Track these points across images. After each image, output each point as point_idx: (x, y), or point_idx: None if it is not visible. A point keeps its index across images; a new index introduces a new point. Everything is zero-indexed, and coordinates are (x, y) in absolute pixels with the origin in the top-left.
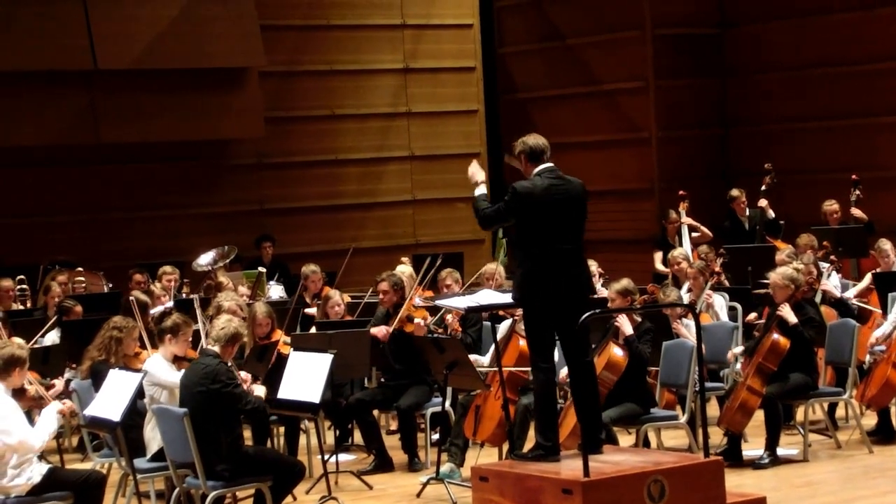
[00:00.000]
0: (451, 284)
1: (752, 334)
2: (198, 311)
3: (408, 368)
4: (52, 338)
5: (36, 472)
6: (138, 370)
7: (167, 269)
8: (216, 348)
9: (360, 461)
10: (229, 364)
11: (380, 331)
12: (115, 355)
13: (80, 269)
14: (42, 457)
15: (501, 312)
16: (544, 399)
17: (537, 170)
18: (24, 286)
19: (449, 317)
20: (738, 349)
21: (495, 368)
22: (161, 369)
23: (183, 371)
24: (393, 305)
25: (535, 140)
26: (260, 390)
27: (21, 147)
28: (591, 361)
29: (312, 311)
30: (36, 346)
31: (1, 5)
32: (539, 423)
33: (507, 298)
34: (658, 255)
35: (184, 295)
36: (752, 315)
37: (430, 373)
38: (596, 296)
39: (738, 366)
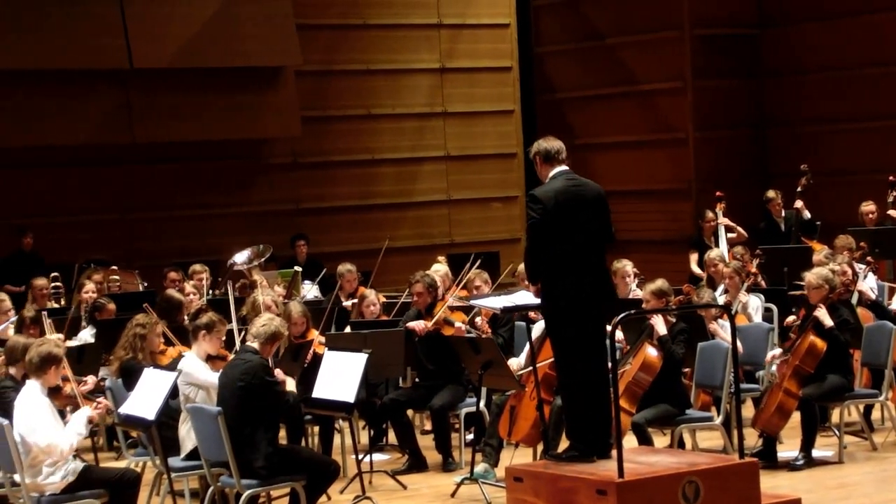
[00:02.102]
0: (480, 286)
1: (788, 336)
2: (232, 312)
3: (440, 368)
4: (86, 336)
5: (70, 470)
6: (164, 367)
7: (196, 267)
8: (255, 345)
9: (395, 461)
10: (269, 361)
11: (418, 324)
12: (141, 352)
13: (114, 267)
14: (77, 455)
15: (534, 314)
16: (574, 404)
17: (553, 172)
18: (59, 284)
19: (478, 318)
20: (777, 351)
21: (530, 368)
22: (197, 368)
23: (220, 371)
24: (426, 306)
25: (549, 142)
26: (290, 383)
27: (56, 146)
28: (606, 364)
29: (348, 303)
30: (70, 344)
31: (37, 4)
32: (570, 429)
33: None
34: (694, 257)
35: (213, 293)
36: (791, 318)
37: (463, 372)
38: (631, 296)
39: (774, 367)
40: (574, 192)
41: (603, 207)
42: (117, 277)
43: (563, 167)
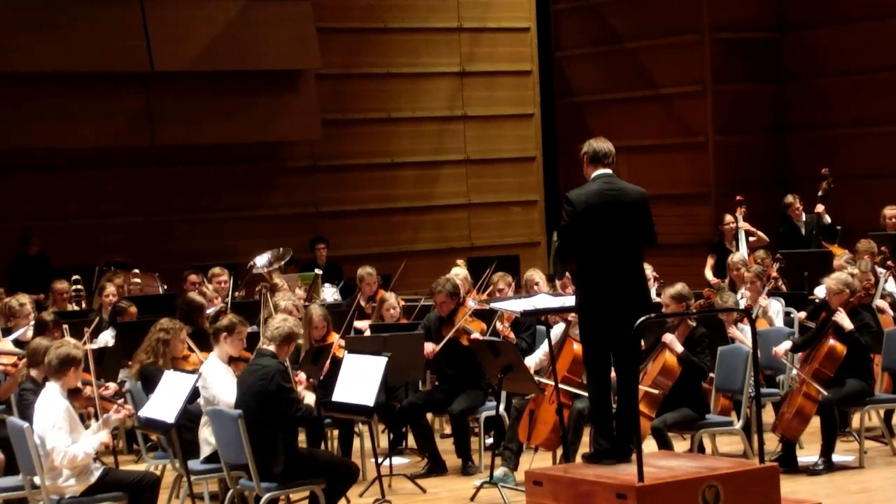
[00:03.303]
0: (503, 288)
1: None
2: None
3: (460, 373)
4: (106, 339)
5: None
6: (189, 372)
7: (216, 270)
8: (272, 348)
9: (414, 464)
10: (286, 364)
11: (427, 347)
12: (163, 357)
13: (135, 270)
14: (96, 458)
15: (552, 318)
16: (600, 404)
17: (594, 174)
18: (80, 286)
19: (499, 324)
20: (788, 344)
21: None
22: (215, 377)
23: (238, 376)
24: (448, 313)
25: (600, 143)
26: (310, 398)
27: (77, 148)
28: (637, 368)
29: (365, 321)
30: (91, 346)
31: (58, 7)
32: (595, 427)
33: (562, 302)
34: (710, 261)
35: (234, 296)
36: (803, 314)
37: (483, 377)
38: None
39: (794, 372)
40: (608, 196)
41: (642, 210)
42: (138, 280)
43: (606, 170)
